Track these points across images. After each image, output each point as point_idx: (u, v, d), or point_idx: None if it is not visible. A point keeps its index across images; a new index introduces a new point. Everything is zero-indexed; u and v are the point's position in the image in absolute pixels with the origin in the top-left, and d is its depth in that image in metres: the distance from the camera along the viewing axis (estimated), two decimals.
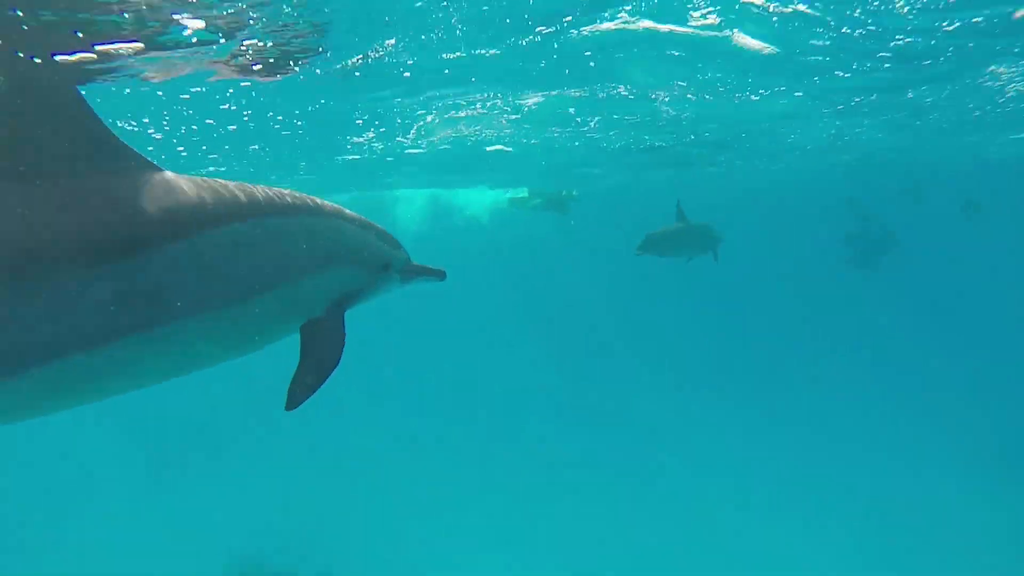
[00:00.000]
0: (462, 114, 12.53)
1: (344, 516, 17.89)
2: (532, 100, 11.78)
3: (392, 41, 7.76)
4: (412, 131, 13.68)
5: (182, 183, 2.73)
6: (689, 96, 12.18)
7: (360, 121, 12.56)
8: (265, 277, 2.95)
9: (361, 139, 14.28)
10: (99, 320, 2.38)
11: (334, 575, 15.41)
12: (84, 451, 23.54)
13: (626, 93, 11.72)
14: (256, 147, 13.98)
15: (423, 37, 7.67)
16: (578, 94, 11.64)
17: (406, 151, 15.78)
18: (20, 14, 4.80)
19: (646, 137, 16.46)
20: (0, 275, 2.20)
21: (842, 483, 18.83)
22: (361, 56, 8.18)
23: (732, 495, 18.26)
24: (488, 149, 16.43)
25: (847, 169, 23.63)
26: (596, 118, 13.91)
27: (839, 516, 16.80)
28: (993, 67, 10.93)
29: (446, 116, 12.56)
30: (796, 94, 12.29)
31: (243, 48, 7.11)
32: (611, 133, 15.60)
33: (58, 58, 6.01)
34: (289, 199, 3.14)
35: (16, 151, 2.32)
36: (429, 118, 12.61)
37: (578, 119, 13.91)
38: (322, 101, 10.51)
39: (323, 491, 19.50)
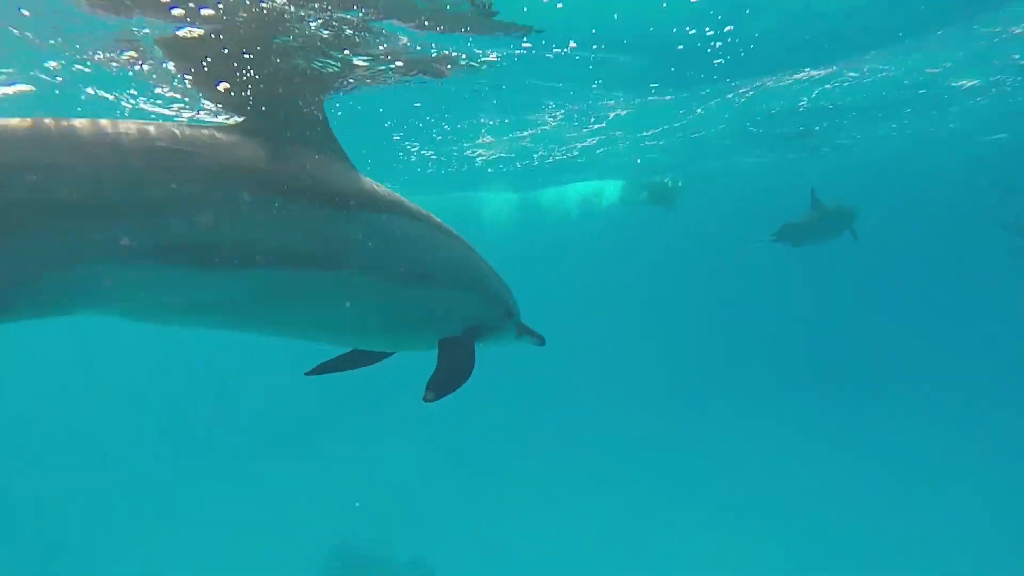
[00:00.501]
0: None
1: (438, 506, 18.40)
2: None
3: None
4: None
5: (375, 184, 3.53)
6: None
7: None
8: (426, 273, 3.56)
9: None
10: (297, 247, 2.98)
11: (427, 563, 15.85)
12: (189, 440, 24.74)
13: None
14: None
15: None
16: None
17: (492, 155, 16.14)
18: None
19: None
20: (266, 202, 2.83)
21: None
22: None
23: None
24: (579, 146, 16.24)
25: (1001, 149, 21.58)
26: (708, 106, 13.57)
27: None
28: None
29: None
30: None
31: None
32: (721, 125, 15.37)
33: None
34: (448, 226, 3.80)
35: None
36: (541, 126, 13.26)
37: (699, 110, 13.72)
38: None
39: (420, 480, 20.06)
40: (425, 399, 3.43)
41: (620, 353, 31.80)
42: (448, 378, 3.56)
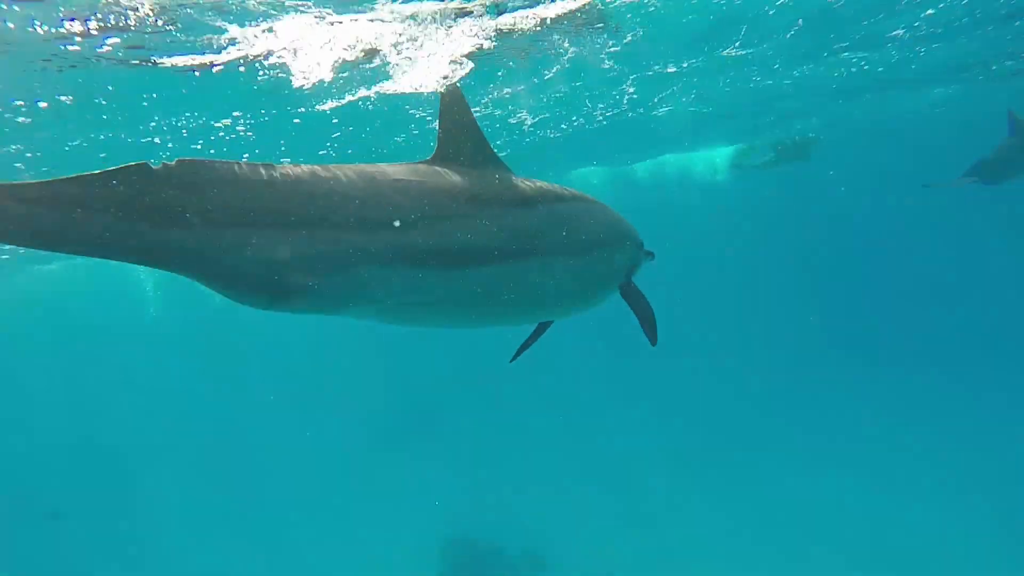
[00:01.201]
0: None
1: (553, 501, 18.43)
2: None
3: None
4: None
5: (536, 181, 4.12)
6: None
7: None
8: (595, 239, 4.23)
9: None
10: (507, 244, 3.63)
11: (540, 556, 15.95)
12: (313, 434, 25.77)
13: None
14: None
15: None
16: None
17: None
18: None
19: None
20: (474, 212, 3.50)
21: None
22: None
23: None
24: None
25: None
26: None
27: None
28: None
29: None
30: None
31: None
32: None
33: None
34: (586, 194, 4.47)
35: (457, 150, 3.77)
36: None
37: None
38: None
39: (536, 475, 20.11)
40: (652, 344, 4.47)
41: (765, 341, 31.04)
42: (648, 316, 4.51)
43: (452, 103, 3.79)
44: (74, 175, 2.43)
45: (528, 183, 3.97)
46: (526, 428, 23.20)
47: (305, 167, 3.14)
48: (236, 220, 2.77)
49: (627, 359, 28.40)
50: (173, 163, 2.66)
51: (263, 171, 2.91)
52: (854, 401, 23.44)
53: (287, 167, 3.06)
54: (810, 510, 16.75)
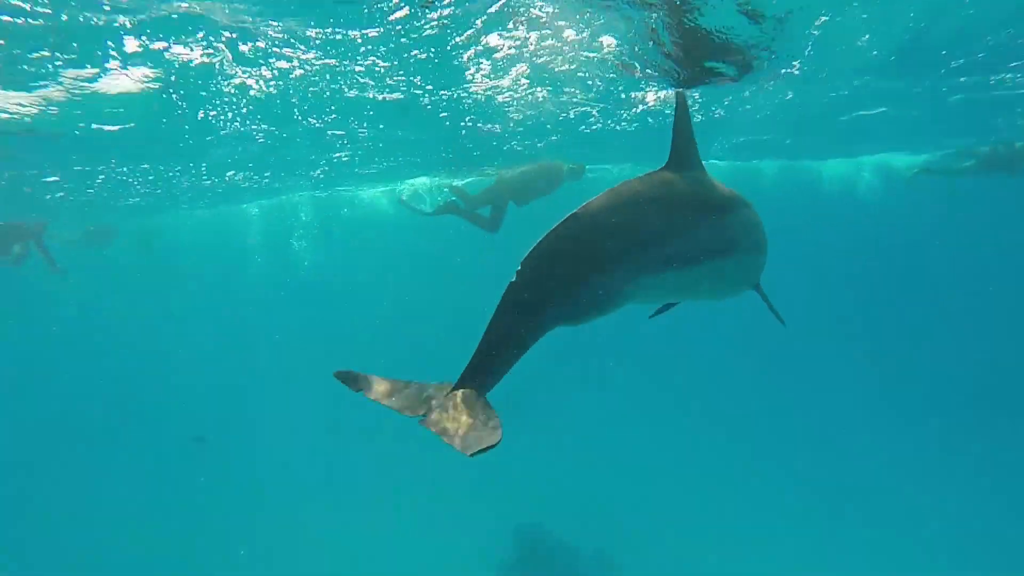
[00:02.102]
0: None
1: (627, 498, 18.37)
2: None
3: None
4: None
5: (720, 183, 4.64)
6: None
7: None
8: (759, 244, 4.88)
9: None
10: (703, 249, 4.15)
11: (611, 557, 15.82)
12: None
13: None
14: None
15: None
16: None
17: None
18: None
19: None
20: (671, 225, 3.96)
21: None
22: None
23: None
24: None
25: None
26: None
27: None
28: None
29: None
30: None
31: None
32: None
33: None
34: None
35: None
36: None
37: None
38: None
39: (625, 474, 19.97)
40: (783, 324, 5.26)
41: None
42: (774, 309, 5.32)
43: (683, 111, 4.27)
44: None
45: (725, 190, 4.56)
46: (625, 422, 23.03)
47: (600, 202, 3.69)
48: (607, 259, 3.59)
49: (753, 359, 28.40)
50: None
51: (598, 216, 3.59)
52: None
53: (589, 207, 3.64)
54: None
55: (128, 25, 6.49)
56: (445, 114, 11.14)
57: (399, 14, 6.68)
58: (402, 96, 9.88)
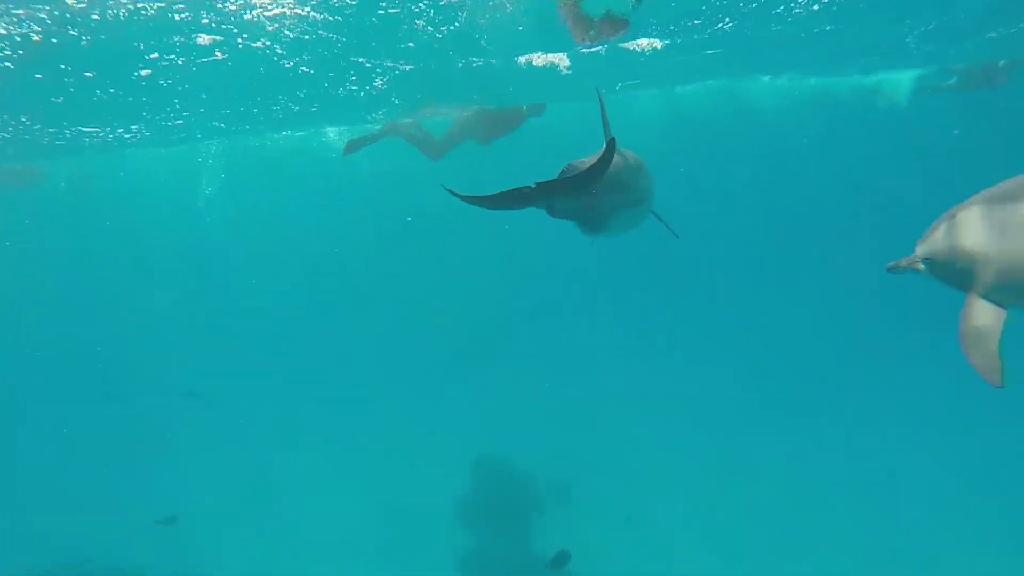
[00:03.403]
0: None
1: (585, 431, 18.58)
2: None
3: None
4: None
5: (631, 155, 5.42)
6: None
7: None
8: (642, 196, 5.60)
9: None
10: (640, 193, 5.40)
11: (567, 489, 16.24)
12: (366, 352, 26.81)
13: None
14: None
15: None
16: None
17: None
18: None
19: None
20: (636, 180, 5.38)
21: None
22: None
23: None
24: None
25: None
26: None
27: None
28: None
29: None
30: None
31: None
32: None
33: None
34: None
35: None
36: None
37: None
38: None
39: (574, 405, 20.22)
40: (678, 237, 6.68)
41: None
42: (668, 226, 6.51)
43: (602, 106, 5.35)
44: None
45: (635, 156, 5.48)
46: (582, 361, 23.31)
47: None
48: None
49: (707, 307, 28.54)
50: None
51: None
52: None
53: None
54: None
55: None
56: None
57: None
58: None
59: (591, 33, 10.73)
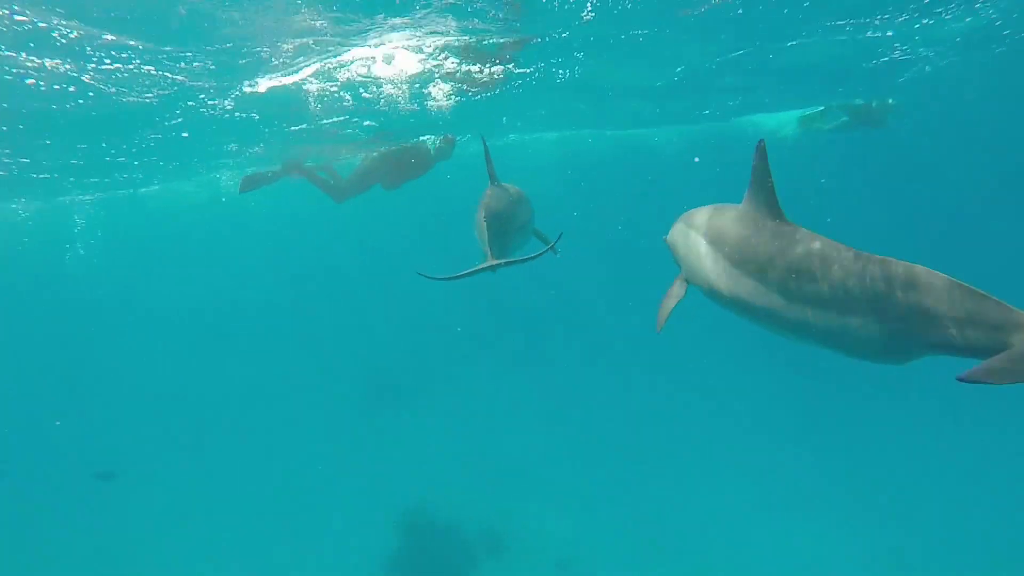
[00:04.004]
0: None
1: (512, 476, 18.26)
2: None
3: None
4: None
5: (514, 189, 7.05)
6: None
7: None
8: (526, 220, 7.00)
9: None
10: (526, 219, 7.05)
11: (499, 538, 15.73)
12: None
13: None
14: None
15: None
16: None
17: None
18: None
19: None
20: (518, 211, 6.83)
21: None
22: None
23: None
24: None
25: None
26: None
27: None
28: None
29: None
30: None
31: None
32: None
33: None
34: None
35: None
36: None
37: None
38: None
39: (497, 451, 19.71)
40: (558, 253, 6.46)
41: None
42: (547, 241, 7.48)
43: (487, 154, 6.70)
44: None
45: (517, 189, 7.17)
46: (504, 402, 22.97)
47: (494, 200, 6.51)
48: None
49: (638, 342, 28.02)
50: None
51: None
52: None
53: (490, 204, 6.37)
54: None
55: None
56: None
57: None
58: None
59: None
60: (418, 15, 7.84)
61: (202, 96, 10.37)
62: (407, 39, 8.85)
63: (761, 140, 3.86)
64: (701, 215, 4.81)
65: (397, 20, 7.95)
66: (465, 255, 6.04)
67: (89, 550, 17.04)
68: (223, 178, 20.02)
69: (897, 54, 13.04)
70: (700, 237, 4.66)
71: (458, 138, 14.78)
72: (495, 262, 5.36)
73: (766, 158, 3.89)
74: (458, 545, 15.43)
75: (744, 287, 4.15)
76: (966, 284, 3.16)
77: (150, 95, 9.82)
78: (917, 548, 14.99)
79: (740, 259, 4.18)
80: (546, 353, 28.14)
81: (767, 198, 4.02)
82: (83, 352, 33.51)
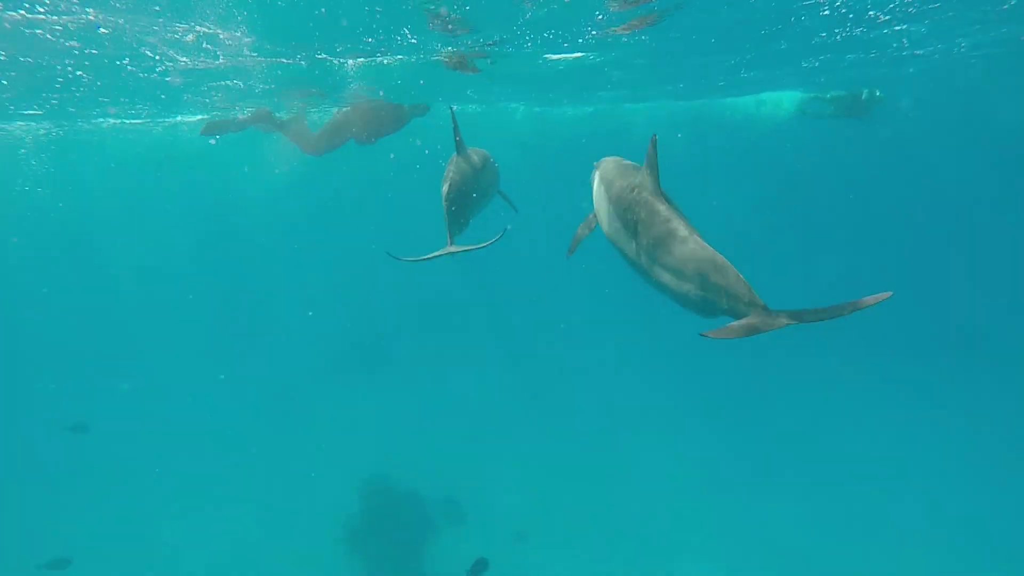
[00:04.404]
0: None
1: (474, 447, 18.46)
2: None
3: None
4: None
5: (479, 154, 7.24)
6: None
7: None
8: (496, 174, 7.54)
9: None
10: (489, 183, 7.24)
11: (458, 502, 16.03)
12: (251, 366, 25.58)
13: None
14: None
15: None
16: None
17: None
18: None
19: None
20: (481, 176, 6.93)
21: None
22: None
23: None
24: None
25: None
26: None
27: None
28: None
29: None
30: None
31: None
32: None
33: None
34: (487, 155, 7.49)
35: None
36: None
37: None
38: None
39: (460, 424, 19.89)
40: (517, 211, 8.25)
41: None
42: (510, 201, 8.28)
43: (455, 123, 6.80)
44: None
45: (482, 152, 7.31)
46: (473, 375, 23.03)
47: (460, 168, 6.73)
48: None
49: (605, 313, 28.75)
50: None
51: None
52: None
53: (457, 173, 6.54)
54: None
55: None
56: None
57: None
58: None
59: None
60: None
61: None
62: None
63: (654, 135, 4.84)
64: (607, 165, 5.89)
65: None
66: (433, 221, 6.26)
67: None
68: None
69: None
70: (600, 183, 5.77)
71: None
72: (453, 249, 5.69)
73: (656, 149, 4.80)
74: (419, 512, 15.62)
75: (616, 234, 5.31)
76: (741, 275, 4.24)
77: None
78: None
79: (617, 212, 5.27)
80: (512, 332, 28.19)
81: (653, 179, 4.91)
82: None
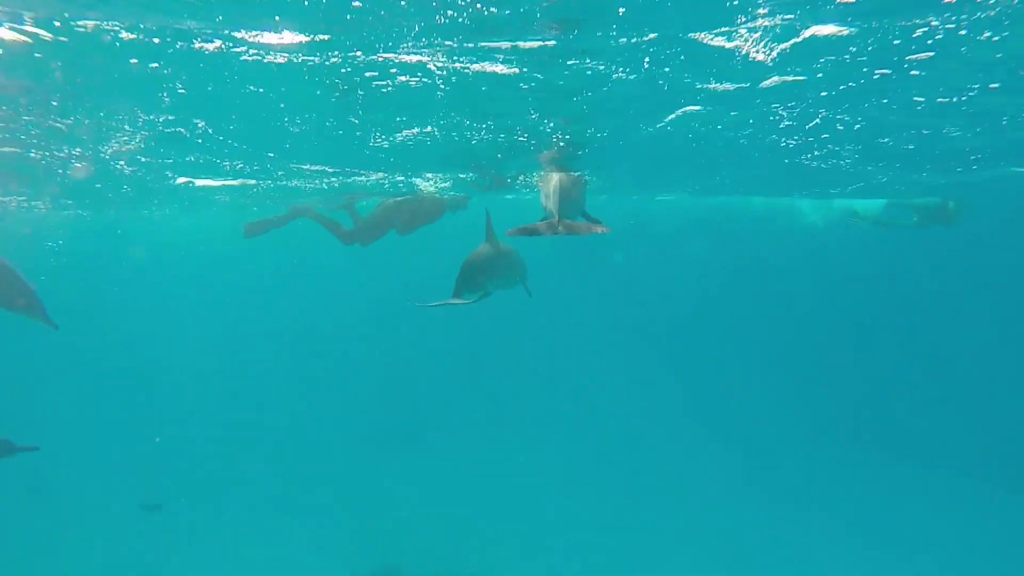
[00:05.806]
0: None
1: (486, 532, 18.16)
2: None
3: None
4: None
5: (504, 247, 8.51)
6: None
7: None
8: (519, 265, 8.71)
9: None
10: (507, 269, 8.46)
11: None
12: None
13: None
14: None
15: None
16: None
17: None
18: None
19: None
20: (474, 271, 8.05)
21: None
22: None
23: None
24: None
25: None
26: None
27: None
28: None
29: None
30: None
31: None
32: None
33: None
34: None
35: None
36: None
37: None
38: None
39: (468, 508, 19.63)
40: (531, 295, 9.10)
41: None
42: (530, 290, 9.07)
43: (488, 221, 8.42)
44: None
45: (506, 246, 8.44)
46: (484, 459, 22.91)
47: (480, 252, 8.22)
48: None
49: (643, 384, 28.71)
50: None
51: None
52: None
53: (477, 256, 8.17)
54: None
55: None
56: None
57: None
58: None
59: None
60: None
61: None
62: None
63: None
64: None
65: None
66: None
67: None
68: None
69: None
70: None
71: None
72: (436, 303, 7.63)
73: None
74: None
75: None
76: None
77: None
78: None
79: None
80: (530, 404, 28.21)
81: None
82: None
